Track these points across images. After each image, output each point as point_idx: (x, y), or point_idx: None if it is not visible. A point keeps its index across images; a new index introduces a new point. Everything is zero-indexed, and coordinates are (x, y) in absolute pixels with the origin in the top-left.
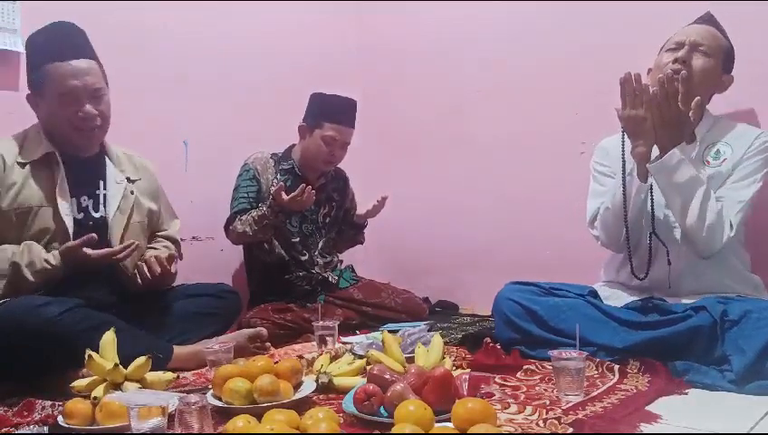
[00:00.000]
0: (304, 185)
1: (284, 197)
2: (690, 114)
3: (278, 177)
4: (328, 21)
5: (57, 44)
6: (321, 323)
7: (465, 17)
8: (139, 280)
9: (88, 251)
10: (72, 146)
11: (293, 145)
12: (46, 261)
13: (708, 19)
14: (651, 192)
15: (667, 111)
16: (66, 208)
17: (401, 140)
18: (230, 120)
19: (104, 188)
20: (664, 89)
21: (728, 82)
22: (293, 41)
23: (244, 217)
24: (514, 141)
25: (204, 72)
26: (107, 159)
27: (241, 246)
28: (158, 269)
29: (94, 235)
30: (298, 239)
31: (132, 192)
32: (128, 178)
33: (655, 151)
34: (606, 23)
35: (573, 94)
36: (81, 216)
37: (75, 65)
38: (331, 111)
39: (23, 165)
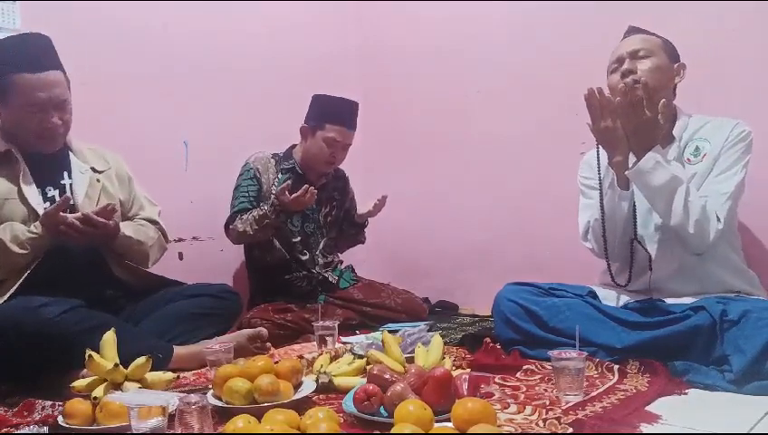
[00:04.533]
0: (307, 186)
1: (287, 196)
2: (659, 117)
3: (279, 176)
4: (328, 21)
5: (26, 56)
6: (321, 323)
7: (465, 17)
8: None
9: (66, 215)
10: (33, 147)
11: (294, 145)
12: (29, 231)
13: (632, 30)
14: (633, 199)
15: (635, 118)
16: (35, 198)
17: (401, 140)
18: (230, 120)
19: (69, 178)
20: (627, 97)
21: (682, 69)
22: (293, 41)
23: (244, 217)
24: (514, 141)
25: (204, 73)
26: (70, 153)
27: (241, 246)
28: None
29: (69, 196)
30: (299, 239)
31: (98, 180)
32: (93, 169)
33: (632, 159)
34: (606, 23)
35: (573, 94)
36: (47, 205)
37: (44, 78)
38: (333, 113)
39: None
